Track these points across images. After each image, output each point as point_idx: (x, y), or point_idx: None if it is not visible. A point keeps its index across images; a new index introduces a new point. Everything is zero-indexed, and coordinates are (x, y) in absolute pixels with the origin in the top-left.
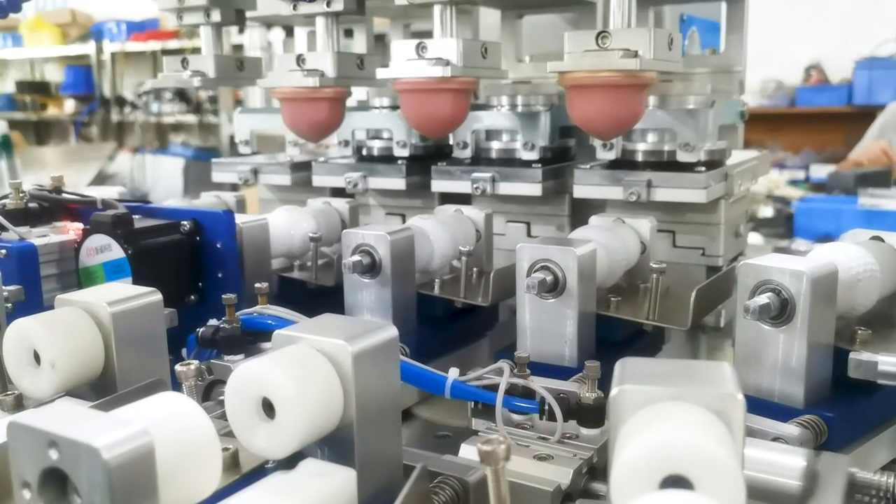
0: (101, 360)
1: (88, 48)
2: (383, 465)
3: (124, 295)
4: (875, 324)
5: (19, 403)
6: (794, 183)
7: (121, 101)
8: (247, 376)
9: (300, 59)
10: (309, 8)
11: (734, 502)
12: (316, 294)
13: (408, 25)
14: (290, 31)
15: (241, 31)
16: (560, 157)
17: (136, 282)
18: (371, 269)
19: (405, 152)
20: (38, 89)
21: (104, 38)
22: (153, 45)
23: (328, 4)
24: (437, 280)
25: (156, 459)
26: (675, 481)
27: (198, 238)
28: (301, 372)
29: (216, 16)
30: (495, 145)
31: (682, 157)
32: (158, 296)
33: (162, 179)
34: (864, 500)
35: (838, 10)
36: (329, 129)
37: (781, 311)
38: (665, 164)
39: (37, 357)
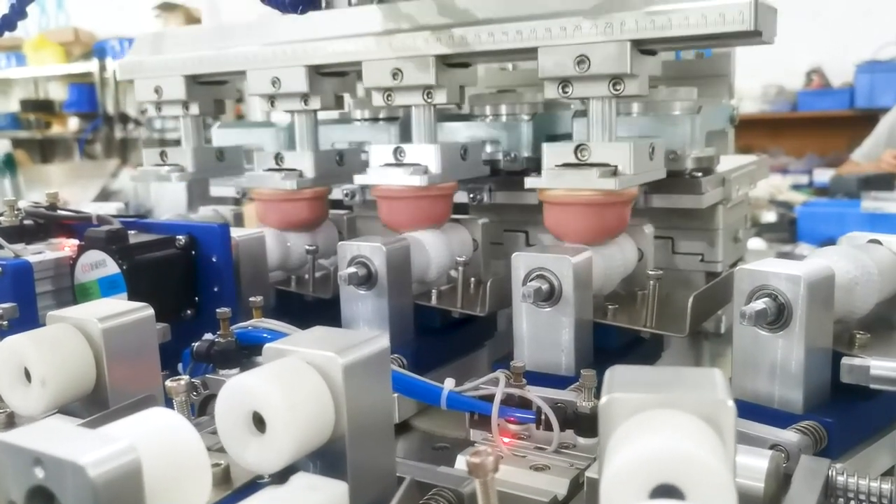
0: (93, 376)
1: (92, 66)
2: (376, 477)
3: (115, 310)
4: (874, 327)
5: (11, 421)
6: (797, 187)
7: (124, 118)
8: (236, 390)
9: (279, 158)
10: (287, 105)
11: None
12: (314, 307)
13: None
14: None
15: None
16: None
17: (131, 297)
18: (367, 280)
19: None
20: (42, 108)
21: (107, 56)
22: None
23: (305, 102)
24: (435, 290)
25: (143, 475)
26: (666, 490)
27: (193, 252)
28: (291, 385)
29: (195, 108)
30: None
31: (668, 166)
32: (150, 311)
33: (166, 195)
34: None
35: (838, 15)
36: (312, 227)
37: (778, 316)
38: None
39: (27, 374)
